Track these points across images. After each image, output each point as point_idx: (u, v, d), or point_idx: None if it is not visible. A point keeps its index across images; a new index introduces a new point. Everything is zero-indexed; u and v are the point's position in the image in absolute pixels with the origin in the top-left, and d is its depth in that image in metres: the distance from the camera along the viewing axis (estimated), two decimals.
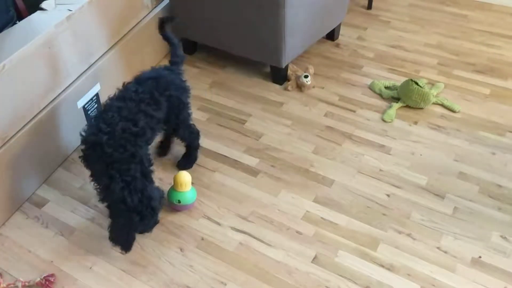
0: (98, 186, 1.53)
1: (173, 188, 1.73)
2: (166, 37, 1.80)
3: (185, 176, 1.71)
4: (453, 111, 2.15)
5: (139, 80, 1.64)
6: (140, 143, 1.54)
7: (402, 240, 1.64)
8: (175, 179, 1.71)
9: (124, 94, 1.59)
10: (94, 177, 1.53)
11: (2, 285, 1.52)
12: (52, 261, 1.61)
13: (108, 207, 1.53)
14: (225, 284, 1.53)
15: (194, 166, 1.93)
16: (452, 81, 2.32)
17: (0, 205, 1.70)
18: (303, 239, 1.66)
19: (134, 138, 1.51)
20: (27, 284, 1.52)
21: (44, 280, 1.52)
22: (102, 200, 1.53)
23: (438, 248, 1.62)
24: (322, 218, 1.72)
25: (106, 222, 1.72)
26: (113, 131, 1.48)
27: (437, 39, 2.62)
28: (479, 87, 2.28)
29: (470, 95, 2.24)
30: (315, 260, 1.59)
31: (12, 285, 1.51)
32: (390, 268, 1.56)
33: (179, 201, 1.72)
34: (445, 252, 1.60)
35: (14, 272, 1.58)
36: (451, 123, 2.09)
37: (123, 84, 1.65)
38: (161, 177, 1.88)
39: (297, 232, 1.68)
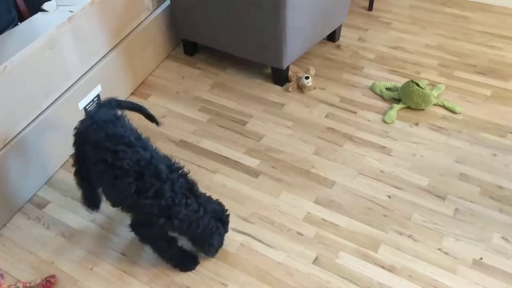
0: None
1: None
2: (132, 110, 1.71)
3: None
4: (454, 112, 2.15)
5: (114, 124, 1.50)
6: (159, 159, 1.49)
7: (403, 241, 1.64)
8: None
9: (119, 140, 1.45)
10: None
11: (3, 286, 1.52)
12: (53, 262, 1.61)
13: (153, 241, 1.52)
14: (226, 285, 1.53)
15: (195, 167, 1.93)
16: (453, 83, 2.32)
17: (1, 206, 1.70)
18: (304, 240, 1.66)
19: (155, 169, 1.44)
20: (28, 285, 1.52)
21: (45, 281, 1.52)
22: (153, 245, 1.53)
23: (439, 249, 1.61)
24: (323, 219, 1.72)
25: (107, 223, 1.73)
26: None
27: (438, 40, 2.62)
28: (480, 88, 2.28)
29: (471, 96, 2.24)
30: (316, 261, 1.59)
31: (13, 286, 1.51)
32: (391, 269, 1.56)
33: None
34: (446, 253, 1.60)
35: (15, 273, 1.58)
36: (452, 125, 2.09)
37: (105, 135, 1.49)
38: None
39: (298, 233, 1.68)
